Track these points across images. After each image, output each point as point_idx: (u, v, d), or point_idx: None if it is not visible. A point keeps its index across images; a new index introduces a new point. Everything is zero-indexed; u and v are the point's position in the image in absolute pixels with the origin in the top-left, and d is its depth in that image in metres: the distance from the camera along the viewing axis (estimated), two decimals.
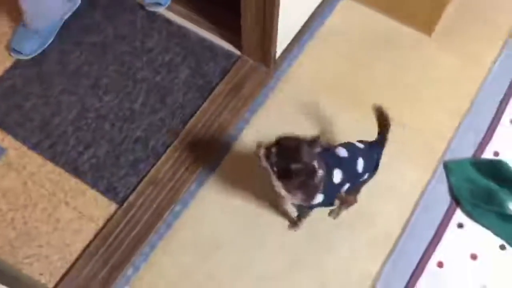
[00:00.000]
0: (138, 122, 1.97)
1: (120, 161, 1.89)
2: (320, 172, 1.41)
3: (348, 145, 1.57)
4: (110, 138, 1.93)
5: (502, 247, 1.78)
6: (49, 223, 1.79)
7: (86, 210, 1.81)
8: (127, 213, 1.80)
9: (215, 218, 1.81)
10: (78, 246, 1.75)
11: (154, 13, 2.17)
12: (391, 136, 1.90)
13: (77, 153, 1.90)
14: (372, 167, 1.57)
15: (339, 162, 1.49)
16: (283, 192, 1.45)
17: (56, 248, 1.75)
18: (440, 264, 1.75)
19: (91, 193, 1.84)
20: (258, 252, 1.76)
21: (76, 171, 1.87)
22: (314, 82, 2.06)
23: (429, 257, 1.76)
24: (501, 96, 2.03)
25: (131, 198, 1.83)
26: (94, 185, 1.85)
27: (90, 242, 1.76)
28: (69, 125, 1.95)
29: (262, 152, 1.41)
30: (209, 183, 1.86)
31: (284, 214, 1.80)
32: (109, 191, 1.84)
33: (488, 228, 1.80)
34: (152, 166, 1.89)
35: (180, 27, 2.16)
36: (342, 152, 1.53)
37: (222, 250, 1.76)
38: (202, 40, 2.14)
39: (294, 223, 1.77)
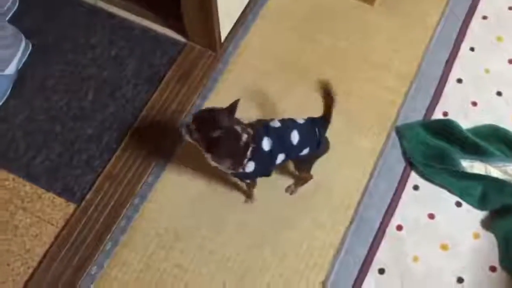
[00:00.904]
0: (89, 120, 1.95)
1: (74, 161, 1.88)
2: (245, 136, 1.45)
3: (285, 119, 1.58)
4: (62, 139, 1.91)
5: (458, 204, 1.82)
6: (8, 231, 1.77)
7: (44, 213, 1.79)
8: (86, 212, 1.80)
9: (175, 208, 1.81)
10: (39, 251, 1.74)
11: (95, 8, 2.14)
12: (342, 106, 1.93)
13: (29, 158, 1.87)
14: (314, 143, 1.58)
15: (268, 131, 1.52)
16: (213, 162, 1.50)
17: (17, 254, 1.73)
18: (399, 227, 1.78)
19: (48, 196, 1.82)
20: (219, 236, 1.77)
21: (30, 176, 1.85)
22: (262, 62, 2.06)
23: (388, 221, 1.79)
24: (446, 57, 2.06)
25: (88, 196, 1.82)
26: (49, 188, 1.83)
27: (51, 245, 1.75)
28: (18, 130, 1.92)
29: (183, 130, 1.46)
30: (165, 173, 1.86)
31: (237, 188, 1.82)
32: (65, 192, 1.83)
33: (442, 186, 1.84)
34: (107, 163, 1.87)
35: (123, 20, 2.13)
36: (275, 123, 1.56)
37: (184, 238, 1.77)
38: (147, 30, 2.11)
39: (247, 195, 1.79)
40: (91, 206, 1.80)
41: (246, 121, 1.54)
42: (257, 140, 1.49)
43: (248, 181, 1.69)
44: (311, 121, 1.58)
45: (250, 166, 1.50)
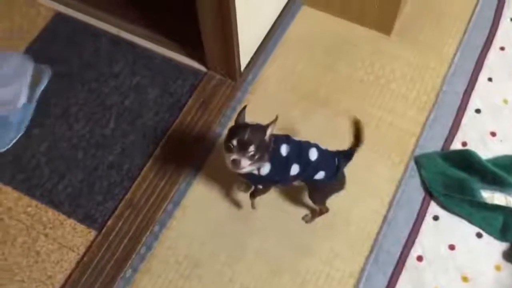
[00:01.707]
0: (110, 147, 1.98)
1: (96, 188, 1.90)
2: (269, 131, 1.49)
3: (308, 141, 1.62)
4: (84, 166, 1.94)
5: (479, 235, 1.81)
6: (30, 257, 1.79)
7: (66, 240, 1.81)
8: (107, 239, 1.81)
9: (194, 235, 1.82)
10: (60, 277, 1.76)
11: (117, 38, 2.20)
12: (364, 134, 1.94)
13: (52, 184, 1.90)
14: (331, 170, 1.59)
15: (288, 140, 1.56)
16: (237, 156, 1.48)
17: (39, 281, 1.75)
18: (419, 258, 1.77)
19: (69, 222, 1.84)
20: (239, 263, 1.77)
21: (52, 202, 1.88)
22: (280, 91, 2.09)
23: (408, 252, 1.78)
24: (464, 87, 2.07)
25: (109, 223, 1.84)
26: (71, 214, 1.86)
27: (72, 271, 1.76)
28: (42, 157, 1.96)
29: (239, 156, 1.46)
30: (185, 201, 1.88)
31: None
32: (87, 219, 1.85)
33: (463, 217, 1.83)
34: (128, 190, 1.90)
35: (144, 49, 2.18)
36: (295, 138, 1.60)
37: (203, 265, 1.77)
38: (168, 59, 2.16)
39: (253, 195, 1.76)
40: (112, 233, 1.82)
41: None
42: (276, 144, 1.53)
43: (260, 186, 1.69)
44: (332, 151, 1.61)
45: (266, 168, 1.53)
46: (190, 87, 2.10)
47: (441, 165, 1.90)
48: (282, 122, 2.00)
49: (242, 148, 1.44)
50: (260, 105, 2.06)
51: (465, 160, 1.89)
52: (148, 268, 1.77)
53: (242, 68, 2.09)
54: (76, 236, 1.82)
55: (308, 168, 1.57)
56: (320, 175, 1.59)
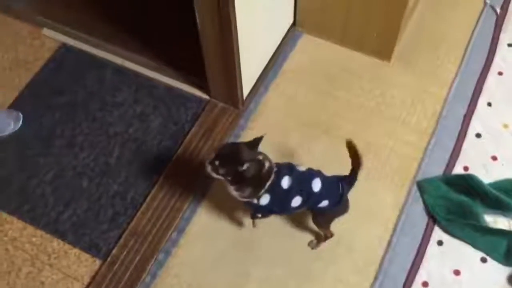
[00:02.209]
0: (115, 175, 2.00)
1: (100, 216, 1.91)
2: (267, 164, 1.51)
3: (312, 168, 1.63)
4: (88, 195, 1.96)
5: (483, 260, 1.81)
6: (35, 287, 1.79)
7: (70, 269, 1.81)
8: (112, 268, 1.81)
9: (199, 263, 1.82)
10: None
11: (121, 68, 2.23)
12: (365, 160, 1.96)
13: (56, 213, 1.91)
14: (335, 197, 1.60)
15: (291, 172, 1.57)
16: (234, 192, 1.56)
17: None
18: (425, 284, 1.77)
19: (74, 252, 1.85)
20: None
21: (57, 232, 1.88)
22: (282, 118, 2.11)
23: (413, 278, 1.78)
24: (464, 112, 2.10)
25: (114, 252, 1.84)
26: (76, 243, 1.86)
27: None
28: (47, 186, 1.97)
29: (209, 168, 1.51)
30: (189, 228, 1.88)
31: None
32: (91, 248, 1.85)
33: (466, 242, 1.83)
34: (132, 218, 1.91)
35: (148, 78, 2.21)
36: (300, 167, 1.61)
37: None
38: (171, 88, 2.19)
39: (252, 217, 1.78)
40: (116, 262, 1.82)
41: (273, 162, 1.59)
42: (278, 175, 1.54)
43: (259, 215, 1.70)
44: (337, 176, 1.62)
45: (265, 199, 1.54)
46: (193, 115, 2.13)
47: (443, 189, 1.91)
48: (283, 149, 2.04)
49: (216, 161, 1.49)
50: (262, 132, 2.06)
51: (467, 185, 1.90)
52: None
53: (245, 96, 2.12)
54: (81, 266, 1.82)
55: (311, 198, 1.58)
56: (324, 203, 1.60)
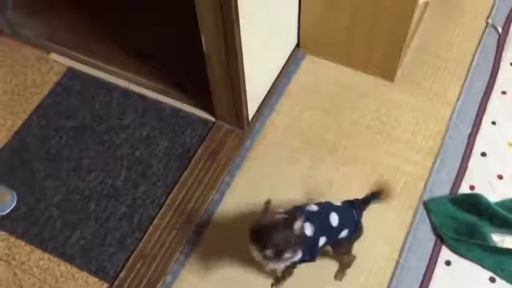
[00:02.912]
0: (122, 198, 2.01)
1: (108, 239, 1.92)
2: (298, 225, 1.44)
3: (321, 203, 1.62)
4: (95, 218, 1.96)
5: (492, 280, 1.80)
6: None
7: None
8: None
9: (206, 286, 1.82)
10: None
11: (127, 91, 2.26)
12: (368, 182, 1.96)
13: (64, 237, 1.92)
14: (352, 225, 1.60)
15: (308, 217, 1.53)
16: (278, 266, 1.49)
17: None
18: None
19: (82, 275, 1.85)
20: None
21: (65, 255, 1.89)
22: (288, 139, 2.13)
23: None
24: (469, 131, 2.11)
25: (121, 275, 1.84)
26: (83, 267, 1.86)
27: None
28: (55, 209, 1.98)
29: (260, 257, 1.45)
30: (196, 250, 1.88)
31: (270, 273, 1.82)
32: (99, 271, 1.85)
33: (475, 261, 1.82)
34: (140, 241, 1.91)
35: (154, 101, 2.24)
36: (313, 208, 1.59)
37: None
38: (177, 110, 2.21)
39: (278, 281, 1.78)
40: (124, 285, 1.82)
41: (282, 210, 1.55)
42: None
43: (292, 270, 1.69)
44: (347, 203, 1.62)
45: (298, 254, 1.50)
46: (199, 137, 2.14)
47: (450, 209, 1.91)
48: (291, 171, 2.05)
49: (278, 254, 1.41)
50: (268, 153, 2.09)
51: (474, 204, 1.90)
52: None
53: (250, 117, 2.14)
54: None
55: (333, 234, 1.57)
56: (343, 234, 1.60)
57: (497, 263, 1.80)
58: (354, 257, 1.77)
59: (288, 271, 1.73)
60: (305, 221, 1.51)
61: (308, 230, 1.52)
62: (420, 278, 1.81)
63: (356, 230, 1.62)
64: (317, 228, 1.53)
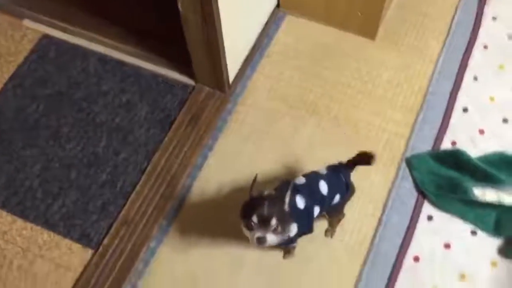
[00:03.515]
0: (103, 165, 1.98)
1: (90, 207, 1.90)
2: (287, 199, 1.44)
3: (308, 173, 1.61)
4: (77, 186, 1.94)
5: (473, 233, 1.82)
6: (27, 279, 1.78)
7: (62, 260, 1.81)
8: (104, 257, 1.81)
9: (190, 251, 1.82)
10: None
11: (105, 57, 2.21)
12: (350, 142, 1.96)
13: (46, 206, 1.90)
14: (343, 188, 1.60)
15: (298, 189, 1.52)
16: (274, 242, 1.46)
17: None
18: (416, 259, 1.78)
19: (65, 243, 1.84)
20: (236, 277, 1.77)
21: (47, 224, 1.87)
22: (269, 100, 2.10)
23: (405, 253, 1.79)
24: (451, 87, 2.10)
25: (105, 241, 1.83)
26: (67, 234, 1.85)
27: None
28: (35, 179, 1.96)
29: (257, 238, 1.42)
30: (180, 215, 1.88)
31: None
32: (82, 238, 1.85)
33: (456, 216, 1.84)
34: (122, 207, 1.90)
35: (132, 67, 2.19)
36: (300, 180, 1.57)
37: (201, 281, 1.77)
38: (156, 75, 2.17)
39: (287, 252, 1.78)
40: (108, 251, 1.82)
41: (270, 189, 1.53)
42: (291, 200, 1.48)
43: (294, 244, 1.69)
44: (332, 168, 1.61)
45: (293, 229, 1.49)
46: (179, 101, 2.11)
47: (432, 165, 1.92)
48: (273, 133, 2.04)
49: (264, 223, 1.39)
50: (250, 116, 2.07)
51: (456, 159, 1.91)
52: (147, 285, 1.77)
53: (231, 80, 2.10)
54: (72, 256, 1.82)
55: (325, 202, 1.57)
56: (336, 199, 1.60)
57: (478, 216, 1.82)
58: (343, 215, 1.78)
59: (288, 248, 1.73)
60: (295, 195, 1.50)
61: (300, 203, 1.51)
62: (403, 234, 1.82)
63: (348, 191, 1.62)
64: (309, 200, 1.52)
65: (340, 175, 1.61)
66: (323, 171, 1.62)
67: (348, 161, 1.63)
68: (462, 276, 1.75)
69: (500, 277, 1.75)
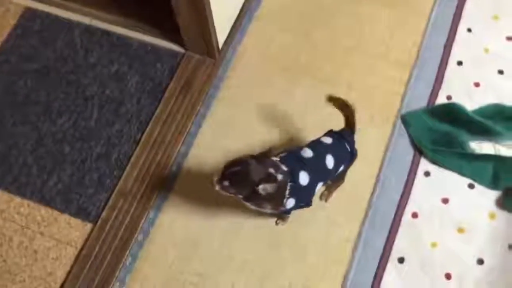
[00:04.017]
0: (96, 138, 1.96)
1: (86, 181, 1.89)
2: (280, 177, 1.41)
3: (314, 144, 1.55)
4: (71, 160, 1.93)
5: (471, 186, 1.82)
6: (28, 256, 1.79)
7: (62, 235, 1.81)
8: (103, 230, 1.81)
9: (189, 218, 1.82)
10: (61, 273, 1.76)
11: (90, 27, 2.16)
12: (348, 99, 1.93)
13: (41, 182, 1.89)
14: (347, 158, 1.57)
15: (304, 163, 1.48)
16: (253, 207, 1.48)
17: (40, 279, 1.75)
18: (414, 215, 1.79)
19: (64, 218, 1.84)
20: (236, 240, 1.78)
21: (44, 200, 1.87)
22: (261, 64, 2.07)
23: (403, 210, 1.80)
24: (444, 40, 2.06)
25: (103, 214, 1.83)
26: (64, 210, 1.85)
27: (72, 266, 1.77)
28: (29, 155, 1.94)
29: (217, 187, 1.43)
30: (177, 184, 1.87)
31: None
32: (80, 212, 1.84)
33: (453, 170, 1.84)
34: (119, 179, 1.89)
35: (120, 37, 2.14)
36: (307, 153, 1.51)
37: (201, 246, 1.78)
38: (144, 44, 2.13)
39: (281, 218, 1.78)
40: (107, 224, 1.82)
41: (276, 155, 1.50)
42: (293, 176, 1.46)
43: (288, 216, 1.68)
44: (337, 136, 1.57)
45: (290, 203, 1.48)
46: (169, 70, 2.07)
47: (428, 121, 1.91)
48: (267, 97, 2.01)
49: (224, 181, 1.42)
50: (242, 81, 2.04)
51: (451, 114, 1.89)
52: (148, 255, 1.78)
53: (220, 45, 2.06)
54: (72, 231, 1.82)
55: (330, 174, 1.54)
56: (341, 168, 1.58)
57: (475, 169, 1.82)
58: (343, 180, 1.76)
59: (282, 216, 1.73)
60: (300, 170, 1.46)
61: (304, 179, 1.47)
62: (400, 191, 1.82)
63: (352, 159, 1.60)
64: (314, 176, 1.48)
65: (345, 144, 1.56)
66: (328, 139, 1.56)
67: (346, 125, 1.60)
68: (461, 230, 1.76)
69: (498, 229, 1.76)
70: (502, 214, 1.78)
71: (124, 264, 1.76)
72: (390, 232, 1.77)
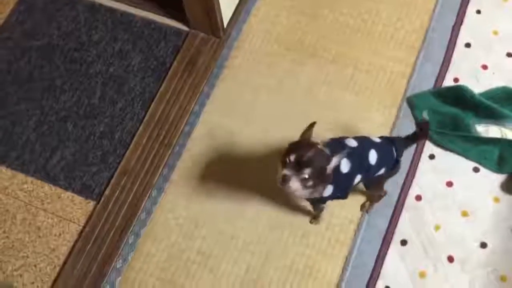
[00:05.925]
0: (99, 116, 1.96)
1: (89, 158, 1.89)
2: (334, 161, 1.36)
3: (360, 137, 1.52)
4: (75, 138, 1.93)
5: (476, 170, 1.81)
6: (31, 232, 1.79)
7: (65, 212, 1.82)
8: (106, 208, 1.81)
9: (192, 198, 1.82)
10: (64, 249, 1.77)
11: (94, 4, 2.13)
12: (351, 81, 1.91)
13: (45, 159, 1.89)
14: (390, 162, 1.53)
15: (347, 152, 1.41)
16: (307, 195, 1.41)
17: (43, 255, 1.76)
18: (418, 198, 1.78)
19: (67, 195, 1.84)
20: (239, 220, 1.78)
21: (47, 177, 1.87)
22: (266, 44, 2.04)
23: (406, 193, 1.79)
24: (453, 22, 2.03)
25: (107, 192, 1.83)
26: (68, 187, 1.85)
27: (75, 242, 1.77)
28: (32, 132, 1.94)
29: (298, 178, 1.34)
30: (179, 164, 1.87)
31: (303, 210, 1.78)
32: (84, 190, 1.85)
33: (458, 153, 1.82)
34: (122, 157, 1.89)
35: (123, 14, 2.12)
36: (351, 142, 1.48)
37: (204, 226, 1.78)
38: (148, 22, 2.10)
39: (314, 217, 1.76)
40: (110, 202, 1.82)
41: (319, 141, 1.42)
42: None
43: (323, 205, 1.65)
44: (387, 140, 1.53)
45: (328, 190, 1.44)
46: (174, 48, 2.06)
47: (433, 103, 1.88)
48: (272, 77, 1.99)
49: (297, 167, 1.31)
50: (247, 61, 2.02)
51: (458, 96, 1.87)
52: (150, 233, 1.78)
53: (225, 24, 2.04)
54: (75, 208, 1.82)
55: (370, 171, 1.49)
56: (381, 172, 1.53)
57: (480, 152, 1.80)
58: (385, 192, 1.71)
59: (317, 206, 1.66)
60: (343, 158, 1.40)
61: (345, 167, 1.43)
62: (404, 173, 1.81)
63: (394, 168, 1.55)
64: (354, 166, 1.44)
65: (392, 149, 1.52)
66: (377, 139, 1.53)
67: (407, 136, 1.56)
68: (465, 213, 1.75)
69: (503, 212, 1.75)
70: (506, 198, 1.77)
71: (127, 242, 1.76)
72: (393, 214, 1.76)
